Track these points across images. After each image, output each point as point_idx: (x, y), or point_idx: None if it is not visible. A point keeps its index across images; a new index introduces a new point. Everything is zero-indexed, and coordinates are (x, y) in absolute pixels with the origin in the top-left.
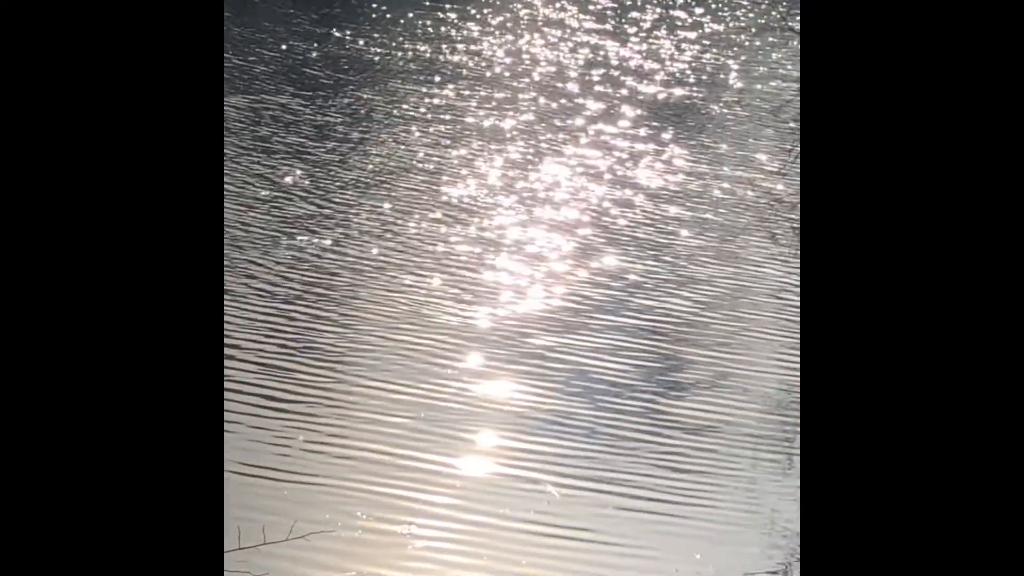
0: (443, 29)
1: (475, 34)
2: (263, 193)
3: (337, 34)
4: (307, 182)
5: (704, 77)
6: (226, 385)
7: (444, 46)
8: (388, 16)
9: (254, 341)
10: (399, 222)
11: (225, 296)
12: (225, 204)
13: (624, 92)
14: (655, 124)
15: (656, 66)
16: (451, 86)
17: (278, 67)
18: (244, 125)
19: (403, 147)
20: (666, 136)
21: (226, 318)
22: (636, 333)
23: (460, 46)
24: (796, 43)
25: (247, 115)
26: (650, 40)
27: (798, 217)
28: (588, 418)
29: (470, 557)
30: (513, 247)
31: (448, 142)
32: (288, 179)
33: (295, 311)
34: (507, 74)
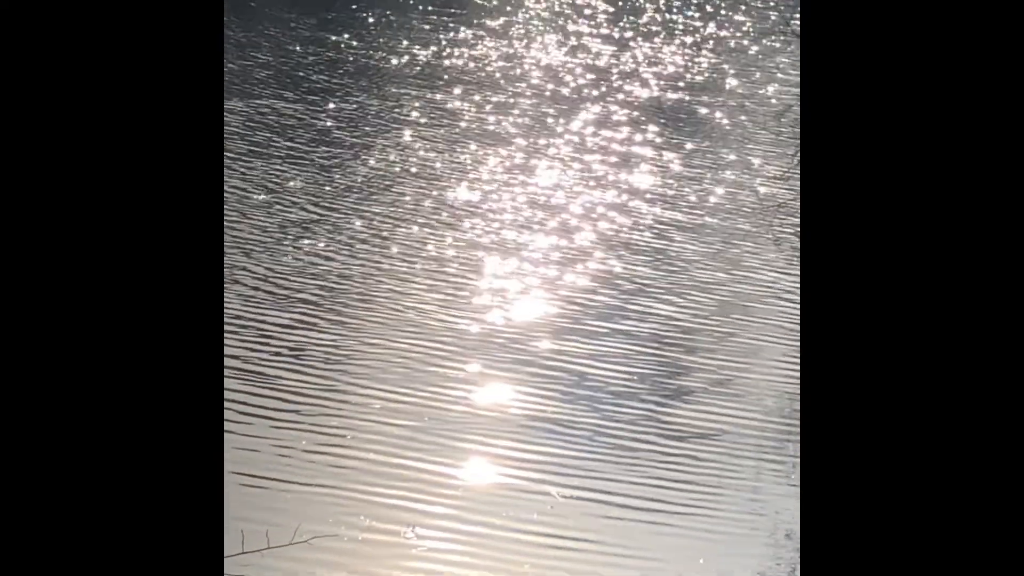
0: (442, 33)
1: (474, 38)
2: (261, 198)
3: (336, 38)
4: (305, 187)
5: (704, 81)
6: (225, 391)
7: (443, 50)
8: (387, 20)
9: (253, 347)
10: (397, 227)
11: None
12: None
13: (623, 97)
14: (654, 129)
15: (656, 70)
16: (450, 91)
17: (277, 71)
18: (242, 130)
19: (401, 152)
20: (665, 141)
21: (225, 324)
22: (636, 339)
23: (459, 50)
24: (796, 47)
25: (245, 120)
26: (650, 45)
27: (799, 222)
28: (589, 424)
29: (472, 560)
30: (512, 252)
31: (446, 146)
32: (288, 184)
33: (293, 317)
34: (505, 78)
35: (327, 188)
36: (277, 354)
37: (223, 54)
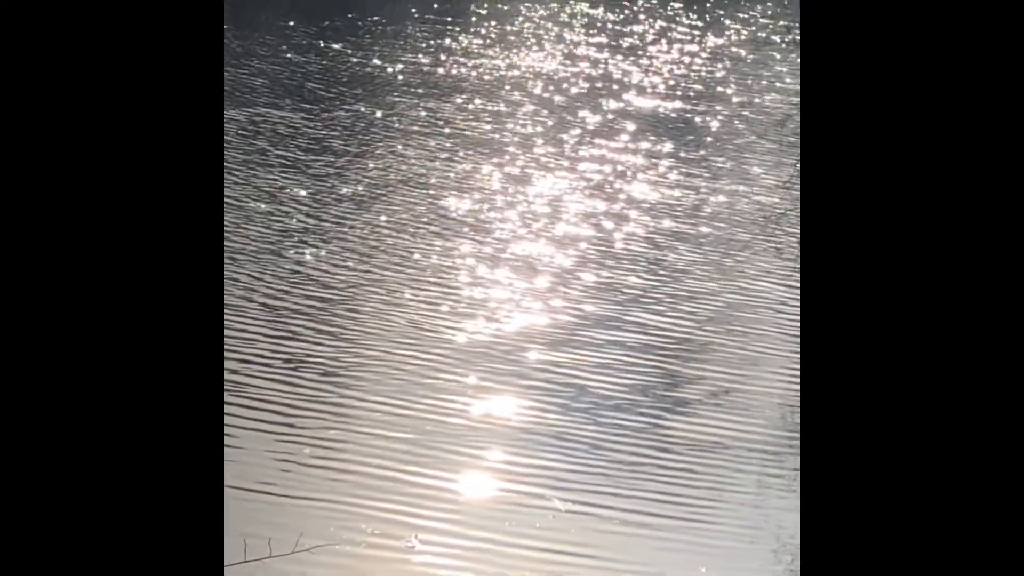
0: (442, 42)
1: (474, 47)
2: (260, 206)
3: (336, 47)
4: (301, 196)
5: (702, 90)
6: (225, 400)
7: (443, 59)
8: (387, 29)
9: (249, 358)
10: (394, 236)
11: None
12: None
13: (623, 105)
14: (653, 137)
15: (655, 79)
16: (447, 99)
17: (273, 80)
18: (237, 138)
19: (398, 160)
20: (665, 149)
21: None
22: (635, 349)
23: (459, 59)
24: (795, 56)
25: (245, 128)
26: (650, 54)
27: (798, 231)
28: (588, 436)
29: (473, 571)
30: (511, 261)
31: (444, 156)
32: (284, 193)
33: (291, 326)
34: (503, 87)
35: (323, 197)
36: (274, 365)
37: (223, 63)
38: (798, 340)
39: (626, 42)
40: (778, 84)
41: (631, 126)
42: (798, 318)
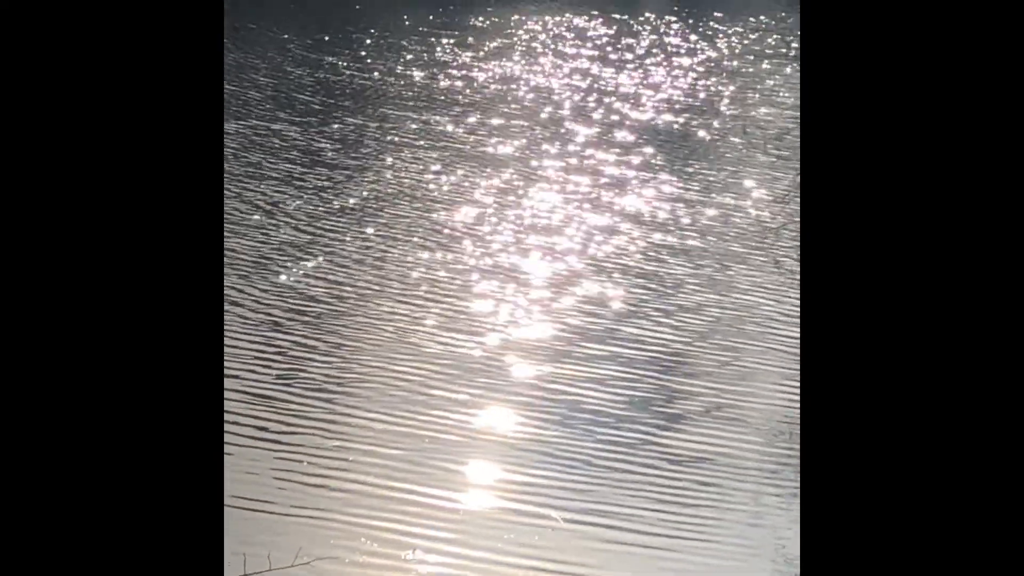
0: (437, 55)
1: (469, 60)
2: (254, 219)
3: (331, 60)
4: (299, 208)
5: (700, 104)
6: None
7: (438, 72)
8: (382, 42)
9: (249, 370)
10: (392, 249)
11: None
12: None
13: (617, 119)
14: (648, 151)
15: (650, 93)
16: (445, 112)
17: (271, 93)
18: (236, 151)
19: (396, 173)
20: (659, 163)
21: None
22: (629, 363)
23: (454, 72)
24: (790, 70)
25: (239, 141)
26: (644, 67)
27: (797, 244)
28: (587, 449)
29: None
30: (504, 275)
31: (441, 168)
32: (282, 205)
33: (286, 340)
34: (501, 100)
35: (322, 209)
36: (273, 377)
37: (223, 76)
38: (794, 354)
39: (622, 55)
40: (774, 97)
41: (626, 139)
42: (793, 332)
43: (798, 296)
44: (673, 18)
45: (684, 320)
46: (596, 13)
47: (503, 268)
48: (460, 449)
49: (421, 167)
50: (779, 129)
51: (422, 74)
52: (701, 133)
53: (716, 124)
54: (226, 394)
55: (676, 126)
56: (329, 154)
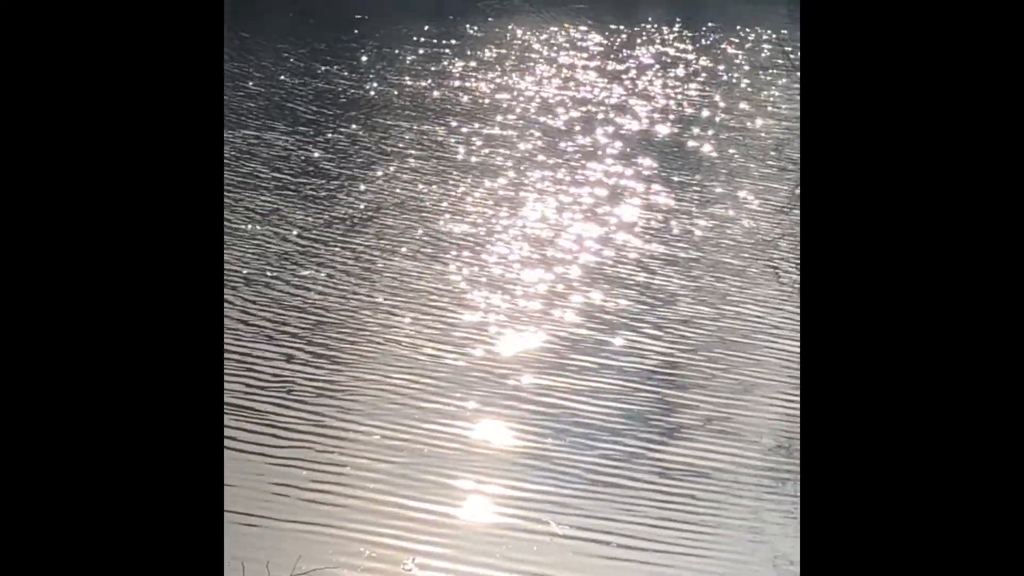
0: (434, 65)
1: (466, 70)
2: (249, 229)
3: (327, 69)
4: (294, 218)
5: (696, 114)
6: None
7: (434, 82)
8: (379, 52)
9: (244, 382)
10: (386, 259)
11: None
12: None
13: (614, 129)
14: (643, 162)
15: (648, 103)
16: (440, 122)
17: (266, 102)
18: (230, 160)
19: (390, 183)
20: (654, 174)
21: None
22: (627, 375)
23: (449, 82)
24: (787, 81)
25: (233, 150)
26: (641, 77)
27: (796, 255)
28: (583, 462)
29: None
30: (500, 285)
31: (436, 178)
32: (276, 215)
33: (285, 350)
34: (497, 111)
35: (316, 220)
36: (268, 389)
37: (223, 84)
38: (790, 365)
39: (620, 65)
40: (772, 109)
41: (622, 149)
42: (790, 343)
43: (796, 307)
44: (671, 28)
45: (680, 332)
46: (593, 23)
47: (498, 279)
48: (456, 461)
49: (415, 177)
50: (776, 140)
51: (417, 84)
52: (697, 144)
53: (712, 135)
54: (225, 404)
55: (672, 137)
56: (327, 164)
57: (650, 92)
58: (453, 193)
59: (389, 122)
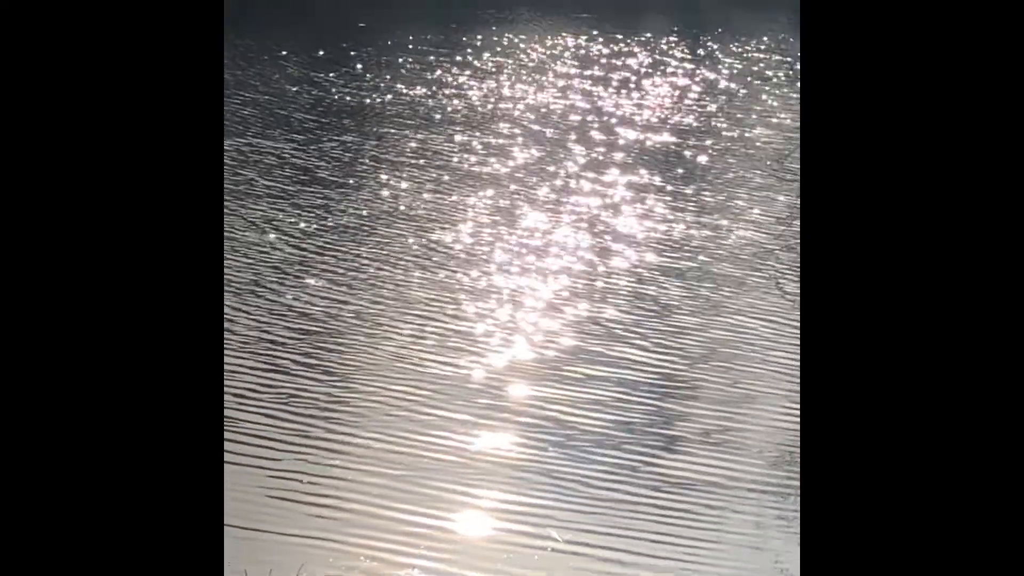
0: (432, 74)
1: (464, 79)
2: (247, 237)
3: (327, 78)
4: (290, 227)
5: (695, 124)
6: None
7: (432, 91)
8: (380, 60)
9: (241, 393)
10: (383, 269)
11: None
12: None
13: (613, 139)
14: (644, 171)
15: (647, 113)
16: (438, 131)
17: (267, 110)
18: (230, 168)
19: (388, 192)
20: (655, 183)
21: None
22: (623, 386)
23: (450, 91)
24: (786, 90)
25: (233, 158)
26: (642, 87)
27: (797, 266)
28: (582, 474)
29: None
30: (498, 295)
31: (433, 188)
32: (273, 224)
33: (281, 360)
34: (495, 120)
35: (312, 229)
36: (265, 400)
37: (223, 93)
38: (787, 377)
39: (619, 75)
40: (772, 119)
41: (622, 160)
42: (791, 354)
43: (796, 318)
44: (672, 38)
45: (679, 343)
46: (595, 33)
47: (498, 288)
48: (456, 472)
49: (416, 186)
50: (776, 150)
51: (419, 92)
52: (697, 154)
53: (711, 144)
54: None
55: (673, 146)
56: (324, 172)
57: (650, 101)
58: (454, 202)
59: (390, 130)
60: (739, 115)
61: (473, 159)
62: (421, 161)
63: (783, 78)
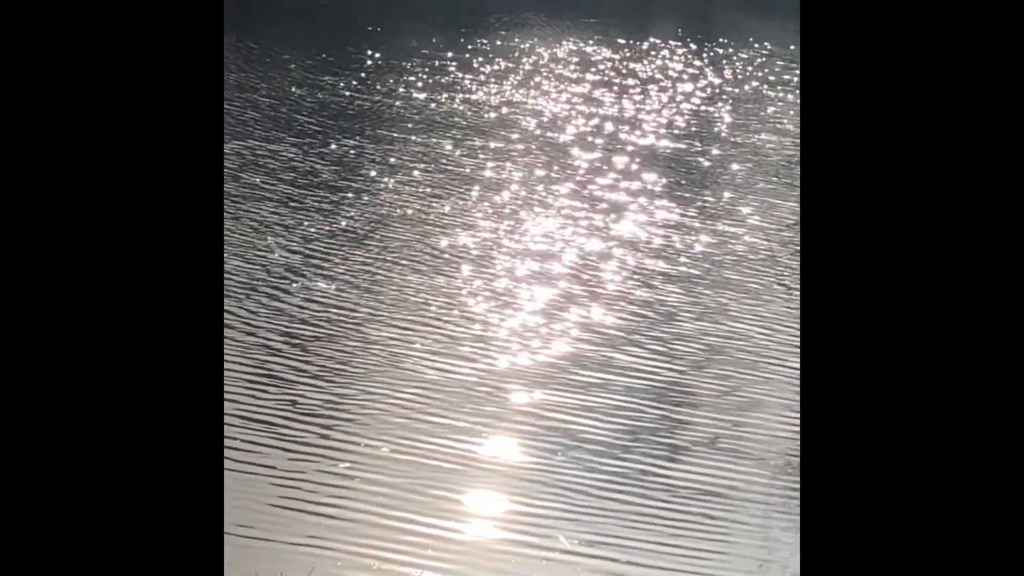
0: (439, 78)
1: (471, 83)
2: (249, 240)
3: (332, 81)
4: (297, 231)
5: (701, 129)
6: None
7: (440, 95)
8: (384, 64)
9: (245, 397)
10: (390, 273)
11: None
12: None
13: (618, 144)
14: (648, 177)
15: (653, 118)
16: (445, 135)
17: (270, 113)
18: (232, 171)
19: (394, 196)
20: (659, 189)
21: None
22: (631, 392)
23: (455, 95)
24: (793, 97)
25: (236, 161)
26: (648, 92)
27: (797, 272)
28: (589, 481)
29: None
30: (501, 300)
31: (440, 192)
32: (279, 228)
33: (279, 364)
34: (502, 124)
35: (319, 232)
36: (267, 405)
37: (223, 96)
38: (790, 384)
39: (627, 79)
40: (778, 125)
41: (628, 165)
42: (791, 360)
43: (798, 324)
44: (678, 44)
45: (686, 348)
46: (601, 38)
47: (501, 293)
48: (464, 477)
49: (420, 190)
50: (781, 156)
51: (423, 96)
52: (704, 160)
53: (717, 150)
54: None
55: (678, 152)
56: (328, 176)
57: (657, 107)
58: (457, 206)
59: (394, 134)
60: (746, 121)
61: (477, 163)
62: (425, 165)
63: (791, 84)
